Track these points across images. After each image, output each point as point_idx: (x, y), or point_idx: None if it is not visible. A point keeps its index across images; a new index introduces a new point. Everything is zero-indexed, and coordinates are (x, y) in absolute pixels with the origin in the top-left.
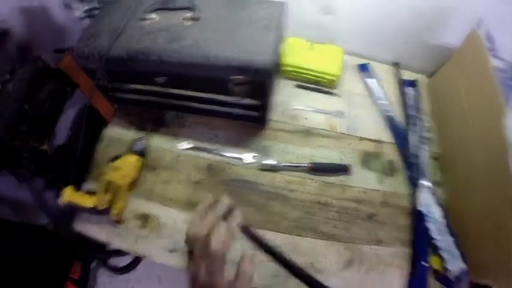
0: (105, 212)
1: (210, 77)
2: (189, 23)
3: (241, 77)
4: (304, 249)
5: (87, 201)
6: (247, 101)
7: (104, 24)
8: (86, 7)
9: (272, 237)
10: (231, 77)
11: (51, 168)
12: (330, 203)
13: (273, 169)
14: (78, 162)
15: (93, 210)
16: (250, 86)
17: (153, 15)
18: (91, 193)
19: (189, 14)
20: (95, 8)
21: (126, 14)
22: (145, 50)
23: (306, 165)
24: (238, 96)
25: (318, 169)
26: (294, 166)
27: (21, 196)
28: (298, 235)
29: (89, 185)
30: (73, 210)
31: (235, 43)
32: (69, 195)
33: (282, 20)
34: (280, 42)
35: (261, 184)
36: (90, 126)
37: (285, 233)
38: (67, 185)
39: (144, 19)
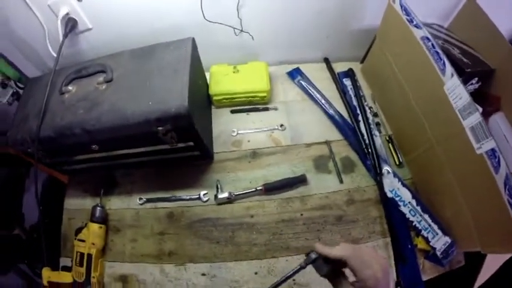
0: (85, 283)
1: (137, 133)
2: (104, 86)
3: (163, 127)
4: (281, 270)
5: (66, 278)
6: (181, 144)
7: (29, 105)
8: (10, 92)
9: (246, 267)
10: (155, 129)
11: (29, 251)
12: (294, 217)
13: (229, 201)
14: (53, 239)
15: (75, 285)
16: (176, 131)
17: (70, 87)
18: (67, 269)
19: (101, 78)
20: (18, 90)
21: (46, 91)
22: (69, 125)
23: (260, 188)
24: (171, 143)
25: (273, 188)
26: (248, 192)
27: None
28: (272, 257)
29: (64, 261)
30: None
31: (148, 96)
32: (47, 276)
33: (194, 55)
34: (198, 77)
35: (222, 218)
36: (59, 197)
37: (258, 259)
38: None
39: (63, 93)
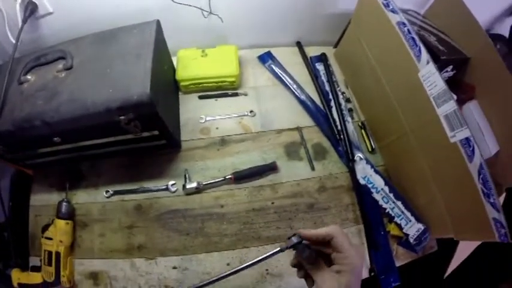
0: (56, 283)
1: (100, 123)
2: (63, 74)
3: (125, 116)
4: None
5: (35, 278)
6: (146, 134)
7: None
8: None
9: (217, 258)
10: (117, 118)
11: None
12: (265, 206)
13: (198, 191)
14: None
15: (45, 285)
16: (140, 120)
17: (29, 76)
18: (37, 268)
19: (61, 65)
20: None
21: (4, 82)
22: (27, 117)
23: (229, 176)
24: (135, 132)
25: (242, 177)
26: (217, 181)
27: None
28: (244, 247)
29: (33, 260)
30: None
31: (110, 83)
32: (17, 277)
33: (159, 39)
34: (163, 62)
35: (191, 209)
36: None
37: (230, 250)
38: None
39: (22, 82)
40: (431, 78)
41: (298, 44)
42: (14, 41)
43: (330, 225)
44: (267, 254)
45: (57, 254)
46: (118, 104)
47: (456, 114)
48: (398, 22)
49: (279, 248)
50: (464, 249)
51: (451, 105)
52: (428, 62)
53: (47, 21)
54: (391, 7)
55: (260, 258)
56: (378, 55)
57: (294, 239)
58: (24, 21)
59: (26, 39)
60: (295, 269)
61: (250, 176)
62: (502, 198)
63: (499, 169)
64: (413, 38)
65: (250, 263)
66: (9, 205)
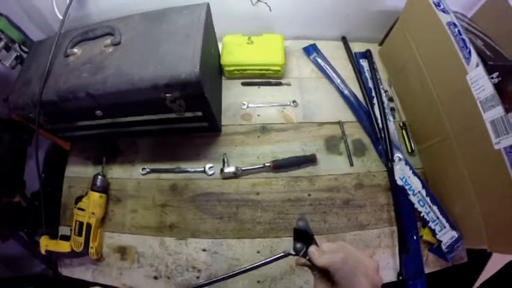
0: (83, 253)
1: (144, 100)
2: (111, 49)
3: (171, 94)
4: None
5: (64, 247)
6: (189, 114)
7: (32, 69)
8: (13, 55)
9: (248, 245)
10: (163, 96)
11: (28, 219)
12: (301, 197)
13: (235, 176)
14: (53, 207)
15: (72, 254)
16: (186, 99)
17: (75, 50)
18: (66, 238)
19: (109, 40)
20: (22, 54)
21: (50, 54)
22: (72, 89)
23: (268, 164)
24: (179, 112)
25: (281, 166)
26: (255, 168)
27: (9, 251)
28: (276, 237)
29: (63, 230)
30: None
31: (158, 61)
32: (45, 244)
33: (208, 22)
34: (211, 45)
35: (226, 193)
36: (62, 165)
37: (261, 238)
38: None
39: (68, 55)
40: (480, 82)
41: (344, 39)
42: (61, 17)
43: (338, 241)
44: (272, 258)
45: (88, 225)
46: (166, 81)
47: (503, 120)
48: (449, 22)
49: (287, 253)
50: (495, 263)
51: (498, 111)
52: (477, 65)
53: None
54: (442, 7)
55: (265, 261)
56: (425, 55)
57: (300, 223)
58: None
59: (72, 15)
60: None
61: (289, 165)
62: None
63: None
64: (463, 40)
65: (255, 265)
66: (42, 177)
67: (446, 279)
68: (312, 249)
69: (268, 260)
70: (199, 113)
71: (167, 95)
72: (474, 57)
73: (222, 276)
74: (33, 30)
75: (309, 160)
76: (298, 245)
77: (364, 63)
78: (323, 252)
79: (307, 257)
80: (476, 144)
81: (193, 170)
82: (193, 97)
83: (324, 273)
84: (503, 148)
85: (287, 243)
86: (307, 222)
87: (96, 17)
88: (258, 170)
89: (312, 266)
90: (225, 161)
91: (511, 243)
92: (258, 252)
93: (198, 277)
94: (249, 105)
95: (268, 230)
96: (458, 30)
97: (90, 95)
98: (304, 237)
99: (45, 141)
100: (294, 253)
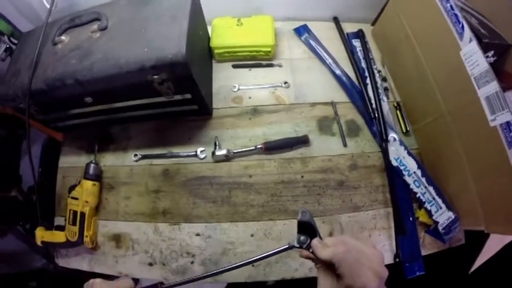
0: (78, 242)
1: (132, 84)
2: (98, 34)
3: (158, 76)
4: (278, 234)
5: (59, 237)
6: (178, 97)
7: (21, 60)
8: (3, 47)
9: (242, 228)
10: (151, 78)
11: (26, 213)
12: (294, 179)
13: (227, 159)
14: (51, 200)
15: (68, 244)
16: (173, 81)
17: (63, 37)
18: (61, 228)
19: (95, 26)
20: (11, 46)
21: (38, 43)
22: (60, 76)
23: (260, 146)
24: (168, 95)
25: (273, 147)
26: (247, 150)
27: (9, 248)
28: (270, 219)
29: (58, 220)
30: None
31: (144, 43)
32: (40, 236)
33: (195, 3)
34: (199, 27)
35: (219, 177)
36: (58, 159)
37: (255, 221)
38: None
39: (56, 43)
40: (474, 57)
41: (335, 20)
42: (48, 6)
43: (338, 236)
44: (276, 250)
45: (82, 214)
46: (152, 62)
47: (498, 96)
48: None
49: (291, 246)
50: (493, 245)
51: (493, 86)
52: (471, 40)
53: None
54: None
55: (268, 253)
56: (418, 32)
57: (302, 238)
58: None
59: (60, 4)
60: None
61: (281, 147)
62: None
63: None
64: (456, 15)
65: (258, 257)
66: (38, 170)
67: (444, 261)
68: (315, 242)
69: (272, 252)
70: (188, 95)
71: (154, 77)
72: (467, 32)
73: (224, 268)
74: (21, 21)
75: (302, 141)
76: (302, 238)
77: (356, 43)
78: (326, 245)
79: (311, 250)
80: (472, 121)
81: (185, 154)
82: (181, 79)
83: (327, 266)
84: (499, 125)
85: (281, 226)
86: (310, 215)
87: (84, 5)
88: (250, 152)
89: (316, 259)
90: (217, 144)
91: (508, 224)
92: (252, 235)
93: (192, 262)
94: (240, 87)
95: (261, 212)
96: (451, 6)
97: (78, 82)
98: (307, 229)
99: (41, 136)
100: (297, 245)
